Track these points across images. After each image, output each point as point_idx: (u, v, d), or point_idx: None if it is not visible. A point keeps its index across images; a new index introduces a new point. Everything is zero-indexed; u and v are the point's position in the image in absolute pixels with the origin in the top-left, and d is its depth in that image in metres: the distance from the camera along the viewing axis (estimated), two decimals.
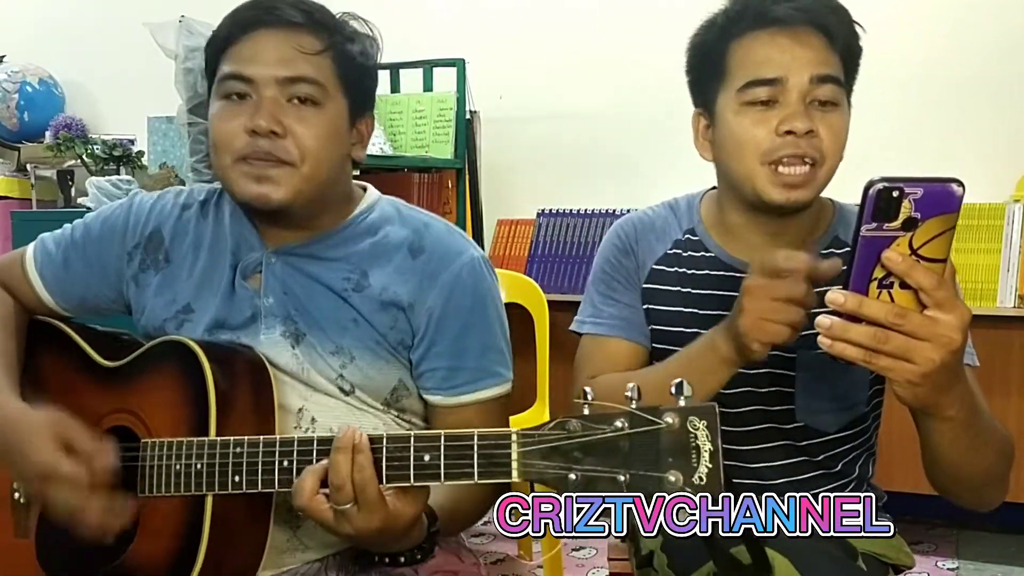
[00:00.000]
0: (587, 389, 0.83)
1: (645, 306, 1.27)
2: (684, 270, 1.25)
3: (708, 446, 0.79)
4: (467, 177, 2.98)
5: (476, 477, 0.87)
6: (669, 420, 0.80)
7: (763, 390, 1.21)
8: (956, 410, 0.91)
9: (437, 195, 2.94)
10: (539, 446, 0.83)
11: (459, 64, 2.89)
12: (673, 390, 0.81)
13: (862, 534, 1.23)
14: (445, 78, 2.96)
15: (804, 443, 1.22)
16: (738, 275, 1.20)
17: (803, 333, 1.16)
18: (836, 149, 1.13)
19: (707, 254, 1.25)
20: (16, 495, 1.17)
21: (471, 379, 1.15)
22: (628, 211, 3.04)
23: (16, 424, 1.06)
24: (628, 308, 1.27)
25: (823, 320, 0.84)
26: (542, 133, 3.30)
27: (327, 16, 1.14)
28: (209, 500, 1.01)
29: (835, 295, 0.83)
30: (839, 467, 1.24)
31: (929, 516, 2.77)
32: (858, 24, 1.15)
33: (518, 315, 2.35)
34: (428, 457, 0.89)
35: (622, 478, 0.80)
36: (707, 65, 1.18)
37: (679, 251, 1.26)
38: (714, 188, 1.28)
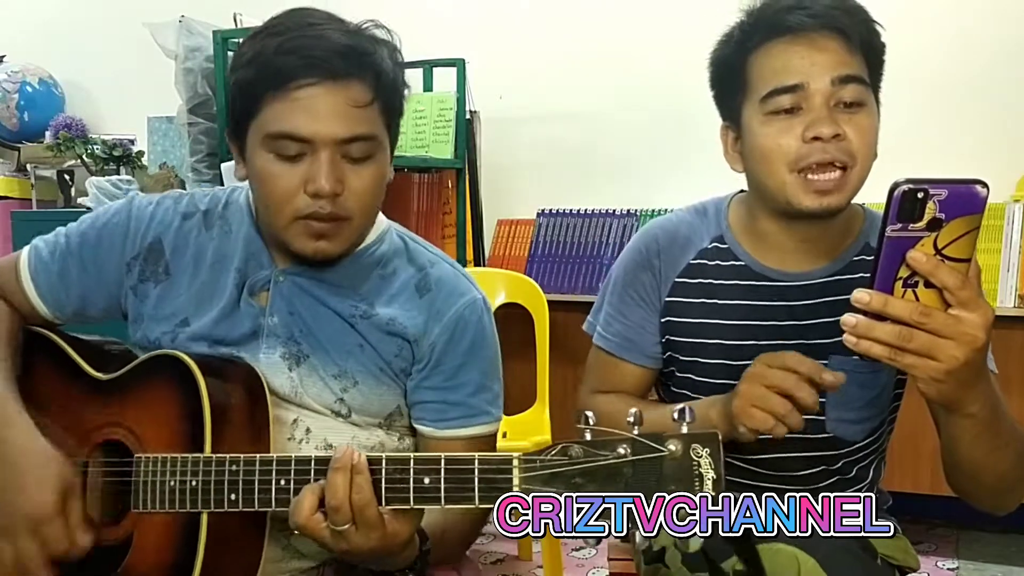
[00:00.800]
0: (588, 414, 0.83)
1: (666, 319, 1.25)
2: (710, 280, 1.24)
3: (711, 474, 0.79)
4: (467, 177, 2.98)
5: (477, 501, 0.86)
6: (672, 447, 0.80)
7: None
8: (979, 407, 0.92)
9: (437, 195, 2.93)
10: (541, 471, 0.83)
11: (459, 64, 2.89)
12: (676, 416, 0.81)
13: (862, 534, 1.25)
14: (445, 78, 2.96)
15: (826, 453, 1.21)
16: (769, 284, 1.21)
17: (833, 340, 1.14)
18: (866, 150, 1.11)
19: (736, 263, 1.23)
20: None
21: (462, 415, 1.15)
22: (628, 211, 3.08)
23: (25, 455, 1.04)
24: (636, 329, 1.27)
25: (848, 318, 0.85)
26: (542, 133, 3.30)
27: (367, 51, 1.08)
28: (204, 517, 1.00)
29: (861, 294, 0.84)
30: (854, 472, 1.24)
31: (929, 516, 2.77)
32: (877, 23, 1.14)
33: (518, 315, 2.35)
34: (428, 480, 0.88)
35: None
36: (728, 79, 1.18)
37: (705, 261, 1.25)
38: (742, 191, 1.27)
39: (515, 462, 0.84)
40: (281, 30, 1.07)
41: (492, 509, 1.14)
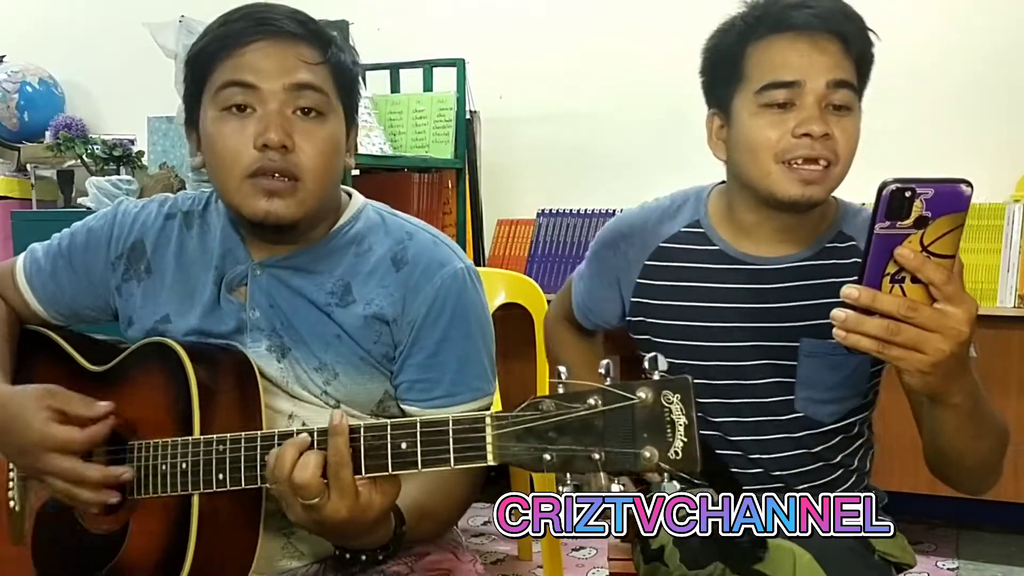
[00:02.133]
0: (561, 369, 0.83)
1: (636, 299, 1.30)
2: (683, 264, 1.27)
3: (683, 419, 0.78)
4: (467, 177, 2.99)
5: (453, 463, 0.86)
6: (642, 395, 0.79)
7: (761, 381, 1.24)
8: (962, 398, 0.95)
9: (437, 195, 2.94)
10: (513, 428, 0.83)
11: (459, 64, 2.89)
12: (647, 364, 0.81)
13: (862, 534, 1.25)
14: (445, 78, 2.96)
15: (800, 434, 1.24)
16: (743, 267, 1.24)
17: (805, 323, 1.20)
18: (849, 152, 1.15)
19: (711, 247, 1.26)
20: (12, 503, 1.17)
21: (447, 392, 1.13)
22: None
23: (7, 402, 1.07)
24: (592, 298, 1.37)
25: (838, 313, 0.87)
26: (542, 133, 3.30)
27: (320, 27, 1.12)
28: (196, 500, 1.01)
29: (850, 289, 0.87)
30: (838, 459, 1.26)
31: (929, 516, 2.77)
32: (872, 31, 1.17)
33: (518, 315, 2.34)
34: (405, 445, 0.88)
35: (597, 456, 0.80)
36: (723, 67, 1.20)
37: (678, 244, 1.28)
38: (723, 183, 1.30)
39: (488, 420, 0.84)
40: (233, 10, 1.11)
41: (470, 490, 1.15)
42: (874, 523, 1.26)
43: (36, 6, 4.08)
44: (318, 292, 1.14)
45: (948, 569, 2.52)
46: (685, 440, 0.78)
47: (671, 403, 0.79)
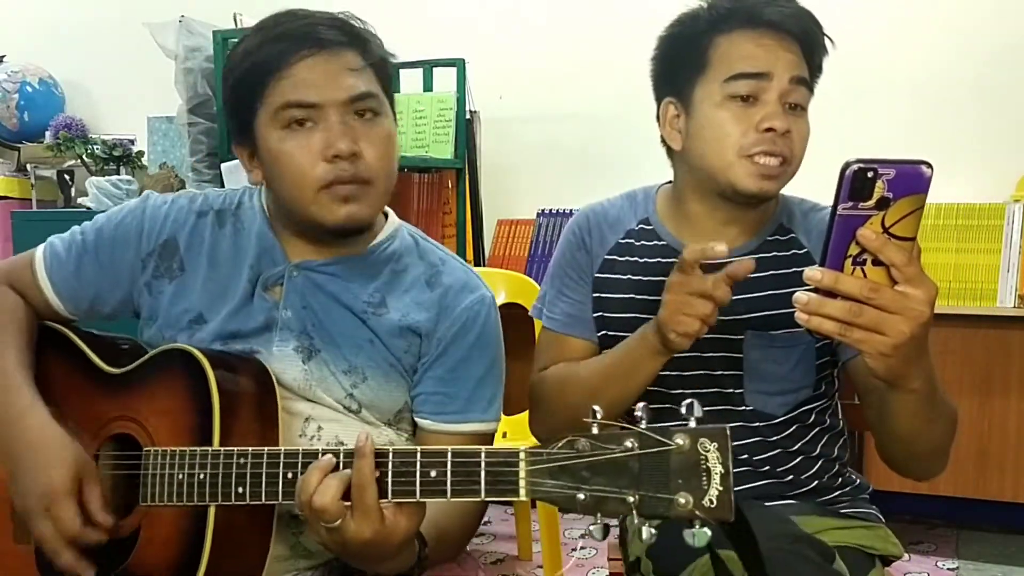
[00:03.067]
0: (596, 408, 0.82)
1: (596, 294, 1.32)
2: (636, 259, 1.31)
3: (719, 468, 0.78)
4: (467, 177, 2.98)
5: (483, 495, 0.85)
6: (680, 441, 0.79)
7: (716, 373, 1.26)
8: (920, 383, 0.95)
9: (437, 195, 2.93)
10: (547, 465, 0.82)
11: (459, 64, 2.89)
12: (684, 410, 0.80)
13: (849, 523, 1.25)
14: (445, 78, 2.96)
15: (757, 424, 1.26)
16: None
17: (748, 315, 1.22)
18: (801, 151, 1.20)
19: (660, 243, 1.30)
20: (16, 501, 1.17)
21: (460, 409, 1.16)
22: None
23: (43, 440, 1.05)
24: (577, 305, 1.33)
25: (800, 296, 0.88)
26: (542, 133, 3.30)
27: (357, 29, 1.14)
28: (212, 510, 1.00)
29: (812, 272, 0.87)
30: (796, 447, 1.27)
31: (929, 516, 2.77)
32: (829, 39, 1.22)
33: (518, 315, 2.34)
34: (435, 473, 0.87)
35: (631, 499, 0.79)
36: (685, 55, 1.23)
37: (632, 240, 1.32)
38: (669, 182, 1.35)
39: (522, 455, 0.83)
40: (268, 24, 1.13)
41: (485, 511, 1.16)
42: (854, 513, 1.28)
43: (36, 6, 4.08)
44: (355, 300, 1.17)
45: (948, 569, 2.52)
46: (720, 489, 0.78)
47: (708, 451, 0.78)
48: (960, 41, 2.78)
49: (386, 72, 1.17)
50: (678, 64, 1.25)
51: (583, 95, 3.22)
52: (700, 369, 1.26)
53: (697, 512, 0.77)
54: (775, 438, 1.26)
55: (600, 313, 1.32)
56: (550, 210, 3.17)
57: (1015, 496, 2.45)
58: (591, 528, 0.81)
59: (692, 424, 0.80)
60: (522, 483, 0.83)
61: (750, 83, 1.16)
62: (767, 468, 1.26)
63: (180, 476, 1.02)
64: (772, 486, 1.26)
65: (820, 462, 1.28)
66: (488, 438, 1.20)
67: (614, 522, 0.82)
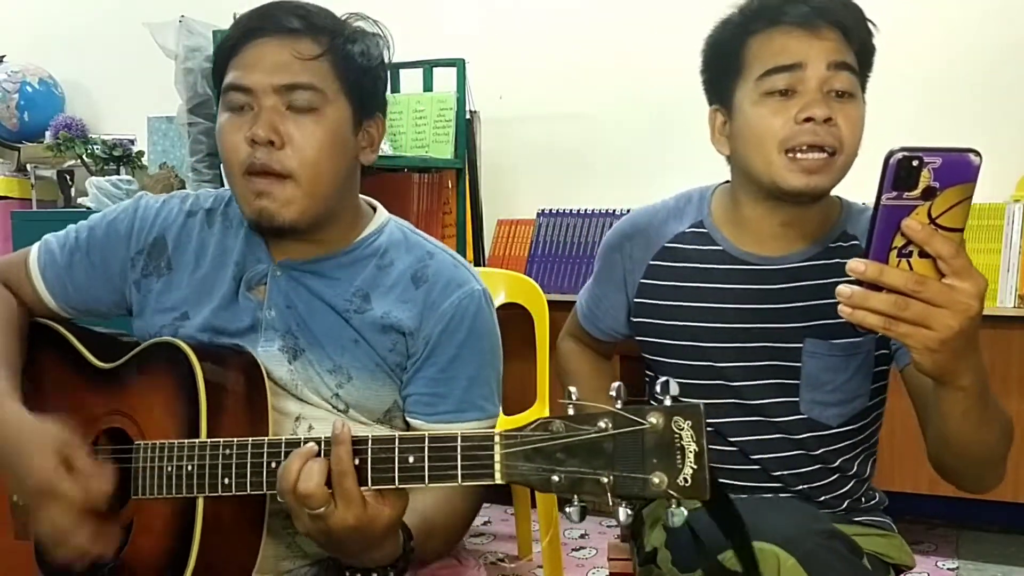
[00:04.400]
0: (572, 389, 0.83)
1: (640, 300, 1.29)
2: (686, 264, 1.27)
3: (693, 447, 0.78)
4: (467, 177, 2.98)
5: (460, 479, 0.86)
6: (653, 420, 0.78)
7: (764, 381, 1.22)
8: (970, 380, 0.92)
9: (437, 195, 2.93)
10: (522, 447, 0.82)
11: (459, 64, 2.88)
12: (659, 388, 0.80)
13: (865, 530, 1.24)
14: (445, 78, 2.96)
15: (801, 436, 1.23)
16: (747, 267, 1.23)
17: (808, 324, 1.19)
18: (853, 139, 1.14)
19: (714, 247, 1.26)
20: (15, 497, 1.16)
21: (454, 409, 1.14)
22: (628, 211, 3.06)
23: (19, 432, 1.04)
24: (597, 302, 1.37)
25: (844, 289, 0.86)
26: (542, 133, 3.30)
27: (326, 19, 1.13)
28: (200, 502, 1.01)
29: (856, 264, 0.84)
30: (838, 463, 1.24)
31: (929, 516, 2.77)
32: (871, 22, 1.17)
33: (518, 315, 2.35)
34: (412, 459, 0.88)
35: (606, 480, 0.79)
36: (724, 61, 1.20)
37: (682, 244, 1.28)
38: (726, 182, 1.29)
39: (496, 438, 0.84)
40: (252, 8, 1.14)
41: (476, 508, 1.15)
42: (874, 519, 1.28)
43: (36, 6, 4.07)
44: (337, 298, 1.15)
45: (948, 569, 2.52)
46: (695, 467, 0.78)
47: (682, 429, 0.78)
48: (960, 41, 2.78)
49: (353, 67, 1.12)
50: (718, 71, 1.23)
51: (583, 95, 3.22)
52: (738, 380, 1.23)
53: (671, 492, 0.77)
54: (819, 451, 1.23)
55: (644, 319, 1.30)
56: (550, 210, 3.17)
57: (1015, 496, 2.45)
58: (568, 510, 0.81)
59: (667, 402, 0.79)
60: (497, 466, 0.83)
61: (784, 76, 1.13)
62: (801, 487, 1.24)
63: (169, 468, 1.02)
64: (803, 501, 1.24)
65: (853, 482, 1.26)
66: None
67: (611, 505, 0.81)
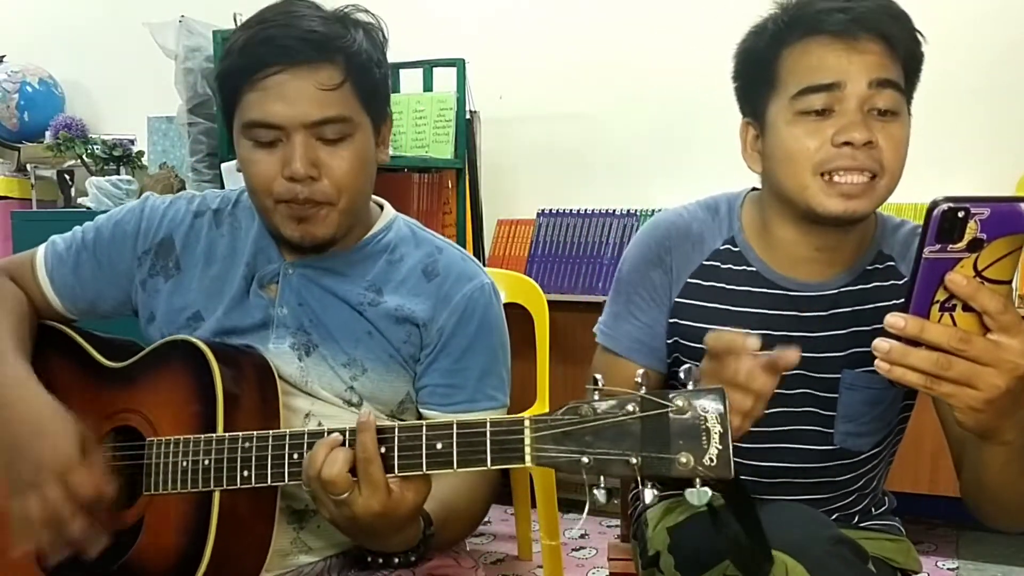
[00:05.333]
0: (597, 376, 0.83)
1: (674, 320, 1.20)
2: (723, 285, 1.19)
3: (718, 428, 0.79)
4: (467, 177, 2.98)
5: (489, 463, 0.86)
6: (679, 403, 0.80)
7: (800, 409, 1.17)
8: (1015, 435, 0.87)
9: (437, 195, 2.93)
10: (551, 431, 0.83)
11: (459, 64, 2.88)
12: (682, 374, 0.82)
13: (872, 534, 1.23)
14: (445, 78, 2.96)
15: (829, 465, 1.19)
16: (781, 292, 1.16)
17: (846, 352, 1.14)
18: (897, 161, 1.06)
19: (748, 268, 1.18)
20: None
21: (467, 399, 1.17)
22: (628, 211, 3.07)
23: (40, 413, 1.04)
24: (645, 329, 1.21)
25: (882, 344, 0.81)
26: (542, 133, 3.30)
27: (335, 36, 1.10)
28: (217, 496, 1.01)
29: (895, 319, 0.79)
30: (858, 484, 1.22)
31: (929, 516, 2.77)
32: (919, 32, 1.09)
33: (518, 315, 2.35)
34: (440, 445, 0.89)
35: (634, 460, 0.80)
36: (756, 72, 1.12)
37: (718, 263, 1.19)
38: (754, 190, 1.23)
39: (526, 423, 0.85)
40: (259, 20, 1.11)
41: (493, 494, 1.15)
42: (879, 522, 1.27)
43: (36, 6, 4.07)
44: (350, 292, 1.17)
45: (948, 569, 2.52)
46: (720, 448, 0.79)
47: (707, 411, 0.80)
48: (960, 42, 2.77)
49: (369, 81, 1.12)
50: (750, 83, 1.14)
51: (583, 95, 3.22)
52: (792, 407, 1.16)
53: (699, 470, 0.79)
54: (845, 476, 1.20)
55: (677, 339, 1.20)
56: (550, 210, 3.17)
57: None
58: (596, 491, 0.82)
59: (691, 386, 0.81)
60: (527, 450, 0.85)
61: (821, 96, 1.04)
62: (816, 506, 1.19)
63: (184, 463, 1.02)
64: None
65: (869, 496, 1.25)
66: None
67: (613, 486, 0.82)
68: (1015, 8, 2.74)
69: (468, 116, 2.94)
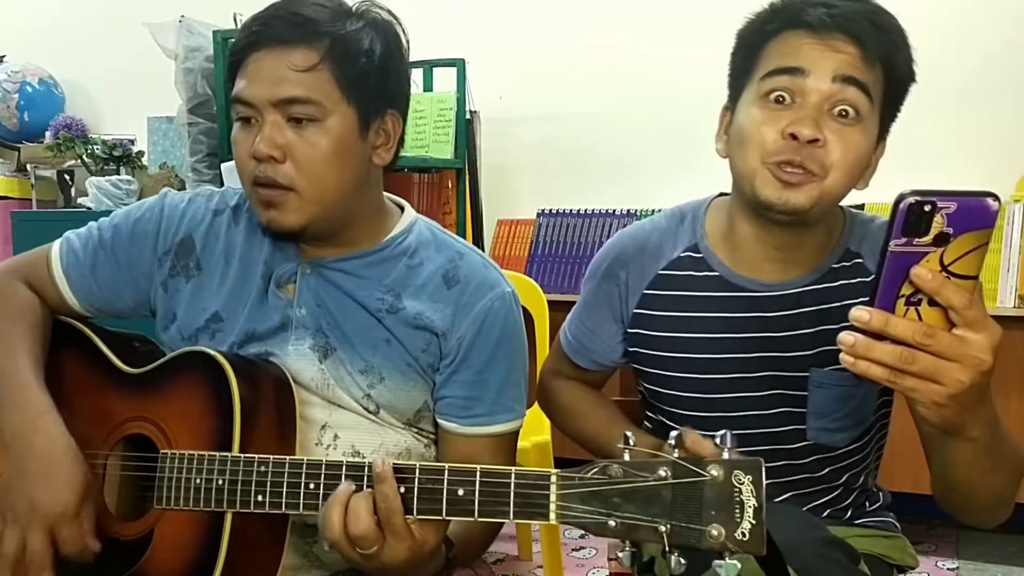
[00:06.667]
0: (628, 434, 0.81)
1: (633, 330, 1.24)
2: (683, 292, 1.21)
3: (752, 502, 0.77)
4: (467, 177, 2.98)
5: (512, 516, 0.84)
6: (714, 473, 0.77)
7: (771, 411, 1.19)
8: (980, 431, 0.87)
9: (437, 195, 2.93)
10: (578, 490, 0.81)
11: (459, 64, 2.88)
12: (718, 441, 0.79)
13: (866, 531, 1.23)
14: (445, 78, 2.96)
15: (806, 461, 1.20)
16: (744, 295, 1.17)
17: (813, 351, 1.15)
18: (844, 165, 1.05)
19: (711, 273, 1.19)
20: None
21: (487, 411, 1.14)
22: (628, 211, 3.08)
23: (53, 452, 1.03)
24: (590, 335, 1.30)
25: (846, 337, 0.80)
26: (542, 133, 3.30)
27: (326, 23, 1.09)
28: (228, 517, 1.00)
29: (860, 312, 0.79)
30: (843, 479, 1.22)
31: (929, 516, 2.77)
32: (908, 47, 1.08)
33: None
34: (462, 492, 0.86)
35: (663, 528, 0.78)
36: (743, 58, 1.14)
37: (676, 271, 1.22)
38: (722, 195, 1.23)
39: (553, 479, 0.82)
40: (273, 5, 1.12)
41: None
42: (874, 519, 1.27)
43: (36, 6, 4.08)
44: (369, 297, 1.15)
45: (948, 569, 2.52)
46: (753, 523, 0.76)
47: (742, 483, 0.77)
48: (959, 41, 2.77)
49: (356, 69, 1.10)
50: (735, 69, 1.16)
51: (583, 95, 3.22)
52: (751, 409, 1.18)
53: (729, 544, 0.76)
54: (825, 471, 1.20)
55: (643, 350, 1.23)
56: (550, 210, 3.17)
57: (1015, 496, 2.45)
58: (620, 554, 0.80)
59: (726, 455, 0.78)
60: (552, 507, 0.82)
61: (784, 79, 1.05)
62: (803, 503, 1.22)
63: (198, 481, 1.01)
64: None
65: (857, 491, 1.25)
66: (515, 436, 1.18)
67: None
68: (1015, 6, 2.74)
69: (468, 116, 2.94)
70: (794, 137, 1.04)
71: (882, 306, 0.79)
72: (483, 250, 3.16)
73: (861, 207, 1.69)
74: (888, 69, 1.07)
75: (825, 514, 1.22)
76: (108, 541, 1.06)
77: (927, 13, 2.80)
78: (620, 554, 0.80)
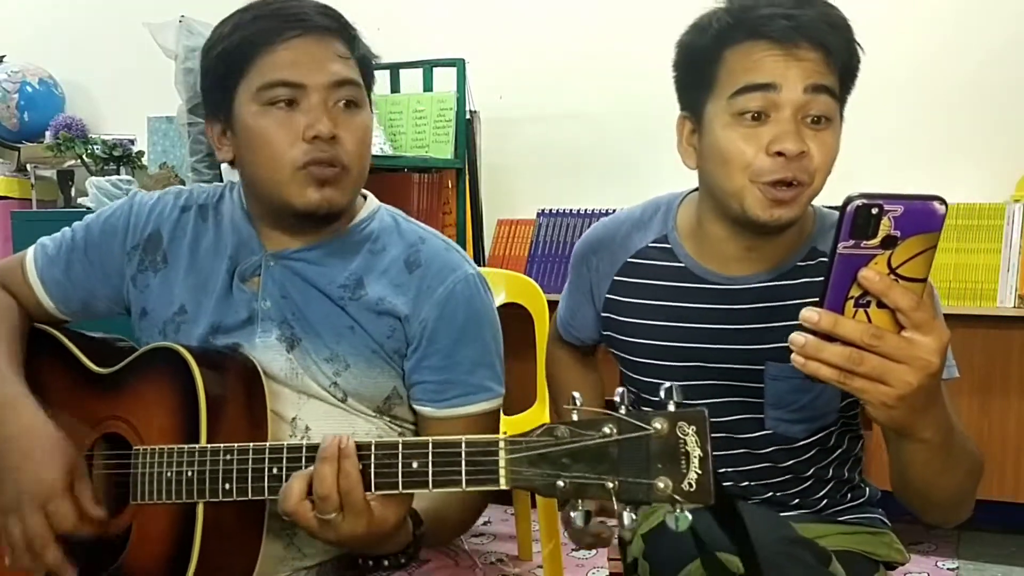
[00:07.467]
0: (576, 395, 0.82)
1: (606, 314, 1.29)
2: (650, 281, 1.25)
3: (698, 451, 0.78)
4: (467, 177, 2.98)
5: (464, 485, 0.86)
6: (658, 426, 0.78)
7: (727, 399, 1.21)
8: (931, 432, 0.88)
9: (437, 195, 2.93)
10: (527, 453, 0.82)
11: (459, 64, 2.89)
12: (663, 394, 0.80)
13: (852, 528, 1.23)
14: (445, 78, 2.96)
15: (767, 451, 1.22)
16: (708, 286, 1.21)
17: (771, 345, 1.17)
18: (825, 168, 1.09)
19: (677, 264, 1.23)
20: None
21: (461, 393, 1.15)
22: None
23: (34, 436, 1.05)
24: (572, 312, 1.38)
25: (797, 338, 0.81)
26: (542, 133, 3.30)
27: (346, 21, 1.16)
28: (200, 507, 1.01)
29: (809, 313, 0.80)
30: (810, 471, 1.23)
31: None
32: (858, 43, 1.11)
33: (518, 315, 2.35)
34: (416, 464, 0.88)
35: (611, 485, 0.79)
36: (696, 69, 1.14)
37: (644, 260, 1.26)
38: (695, 190, 1.25)
39: (501, 444, 0.84)
40: (259, 4, 1.14)
41: (488, 496, 1.15)
42: (862, 515, 1.27)
43: (36, 6, 4.08)
44: (331, 285, 1.16)
45: (948, 569, 2.52)
46: (699, 472, 0.77)
47: (686, 434, 0.78)
48: (960, 40, 2.77)
49: (369, 68, 1.18)
50: (689, 78, 1.17)
51: (583, 95, 3.22)
52: (703, 397, 1.20)
53: (676, 496, 0.77)
54: (789, 463, 1.22)
55: (611, 333, 1.29)
56: (550, 210, 3.18)
57: (1015, 496, 2.45)
58: (573, 515, 0.81)
59: (671, 408, 0.79)
60: (502, 472, 0.84)
61: (757, 96, 1.06)
62: (770, 494, 1.23)
63: (169, 474, 1.02)
64: (773, 506, 1.23)
65: (831, 484, 1.25)
66: (494, 415, 1.18)
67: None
68: (1014, 5, 2.73)
69: (468, 116, 2.94)
70: (780, 154, 1.06)
71: (831, 307, 0.80)
72: (483, 250, 3.18)
73: None
74: (844, 68, 1.10)
75: (794, 504, 1.24)
76: (91, 538, 1.07)
77: (927, 13, 2.80)
78: (573, 514, 0.81)
